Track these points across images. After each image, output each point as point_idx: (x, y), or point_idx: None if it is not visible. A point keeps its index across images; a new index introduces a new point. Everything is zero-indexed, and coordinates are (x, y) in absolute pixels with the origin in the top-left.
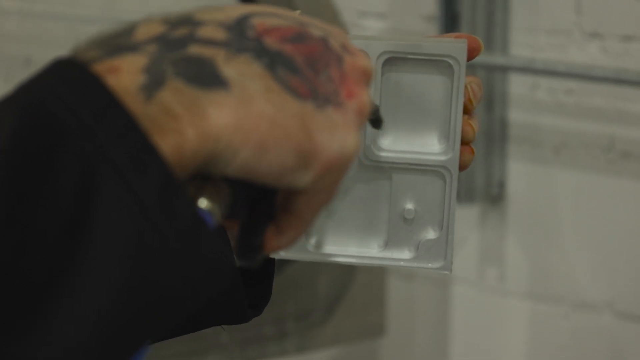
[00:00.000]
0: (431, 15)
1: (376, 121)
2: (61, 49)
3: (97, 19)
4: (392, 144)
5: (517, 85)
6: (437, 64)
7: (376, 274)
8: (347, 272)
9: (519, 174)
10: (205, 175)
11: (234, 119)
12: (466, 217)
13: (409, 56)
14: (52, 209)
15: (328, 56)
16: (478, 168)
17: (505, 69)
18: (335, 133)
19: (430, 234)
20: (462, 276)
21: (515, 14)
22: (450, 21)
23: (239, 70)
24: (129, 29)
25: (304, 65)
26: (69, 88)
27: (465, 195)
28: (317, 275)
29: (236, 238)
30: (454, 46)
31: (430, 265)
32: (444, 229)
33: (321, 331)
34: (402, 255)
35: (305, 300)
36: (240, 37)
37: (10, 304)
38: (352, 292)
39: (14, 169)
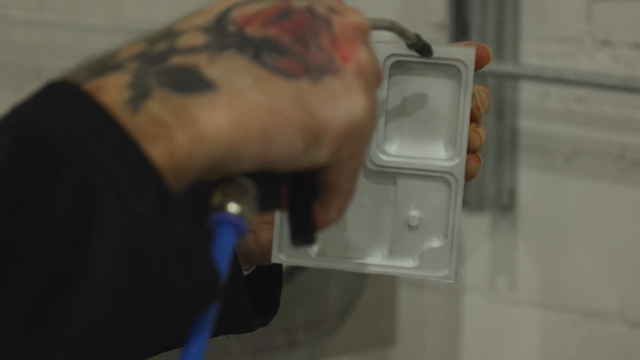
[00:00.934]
0: (441, 24)
1: (423, 49)
2: (70, 58)
3: (104, 28)
4: (398, 149)
5: (528, 94)
6: (445, 68)
7: (386, 283)
8: (358, 281)
9: (530, 182)
10: (227, 178)
11: (228, 118)
12: (477, 225)
13: (417, 60)
14: (50, 226)
15: (315, 24)
16: (488, 176)
17: (515, 77)
18: (337, 102)
19: (435, 242)
20: (473, 285)
21: (526, 22)
22: (460, 30)
23: (224, 68)
24: (113, 51)
25: (292, 43)
26: (61, 107)
27: (476, 203)
28: (328, 285)
29: (287, 223)
30: (463, 51)
31: (434, 274)
32: (448, 237)
33: (331, 340)
34: (406, 263)
35: (315, 309)
36: (221, 35)
37: (10, 319)
38: (363, 301)
39: (10, 188)
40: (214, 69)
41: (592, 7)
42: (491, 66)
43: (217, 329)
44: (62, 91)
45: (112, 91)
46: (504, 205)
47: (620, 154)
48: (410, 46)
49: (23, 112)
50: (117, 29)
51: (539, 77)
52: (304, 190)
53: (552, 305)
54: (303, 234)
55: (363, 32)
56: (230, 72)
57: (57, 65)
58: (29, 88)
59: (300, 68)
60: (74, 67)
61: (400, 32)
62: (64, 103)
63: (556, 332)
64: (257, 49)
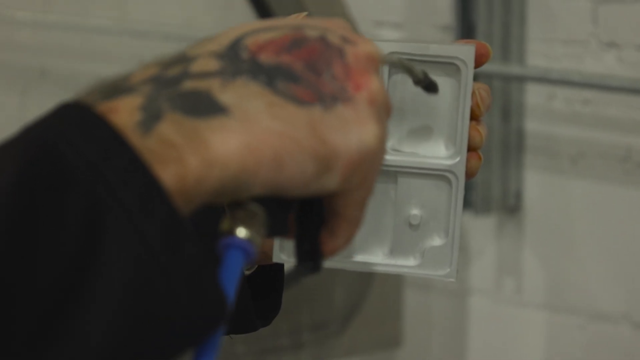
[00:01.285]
0: (447, 26)
1: (429, 86)
2: (75, 59)
3: (110, 29)
4: (398, 148)
5: (534, 95)
6: (444, 66)
7: (392, 285)
8: (364, 283)
9: (536, 184)
10: (236, 203)
11: (240, 142)
12: (483, 227)
13: (416, 58)
14: (57, 245)
15: (328, 53)
16: (494, 178)
17: (521, 79)
18: (349, 130)
19: (436, 241)
20: (479, 287)
21: (532, 24)
22: (466, 31)
23: (237, 94)
24: (126, 75)
25: (305, 71)
26: (73, 127)
27: (482, 205)
28: (334, 286)
29: (294, 250)
30: (462, 48)
31: (435, 272)
32: (449, 235)
33: (337, 342)
34: (407, 262)
35: (321, 311)
36: (234, 61)
37: (17, 336)
38: (369, 303)
39: (19, 205)
40: (227, 94)
41: (598, 9)
42: (497, 68)
43: None
44: (74, 112)
45: (124, 113)
46: (510, 207)
47: (626, 156)
48: (417, 82)
49: (34, 131)
50: (122, 31)
51: (544, 79)
52: (311, 218)
53: (557, 307)
54: (310, 261)
55: (375, 62)
56: (243, 97)
57: (62, 66)
58: (34, 89)
59: (312, 95)
60: (86, 89)
61: (408, 69)
62: (75, 123)
63: (562, 334)
64: (270, 76)
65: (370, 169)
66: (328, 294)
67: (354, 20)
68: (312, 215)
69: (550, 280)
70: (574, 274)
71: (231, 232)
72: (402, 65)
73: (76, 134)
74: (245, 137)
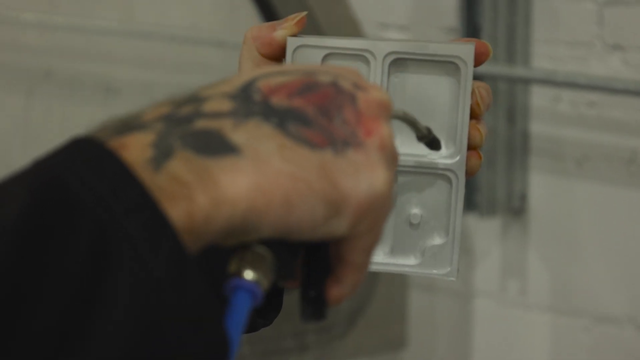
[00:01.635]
0: (452, 28)
1: (433, 142)
2: (80, 61)
3: (115, 30)
4: (398, 147)
5: (539, 98)
6: (444, 65)
7: (397, 287)
8: (368, 284)
9: (541, 186)
10: (244, 245)
11: (251, 183)
12: (488, 229)
13: (416, 57)
14: (62, 278)
15: (340, 99)
16: (499, 180)
17: (526, 81)
18: (360, 175)
19: (436, 240)
20: (484, 289)
21: (537, 26)
22: (471, 33)
23: (249, 134)
24: (138, 112)
25: (316, 115)
26: (83, 162)
27: (487, 207)
28: None
29: (299, 296)
30: (461, 47)
31: (435, 271)
32: (450, 234)
33: (342, 344)
34: (408, 261)
35: None
36: (247, 103)
37: None
38: (373, 305)
39: (27, 238)
40: (238, 134)
41: (603, 11)
42: (502, 70)
43: None
44: (85, 147)
45: (135, 149)
46: (515, 209)
47: (631, 158)
48: (420, 138)
49: (45, 164)
50: (127, 32)
51: (550, 81)
52: (318, 264)
53: (562, 310)
54: (314, 309)
55: (386, 110)
56: (255, 138)
57: (67, 67)
58: (39, 90)
59: (324, 139)
60: (98, 126)
61: (412, 123)
62: (86, 158)
63: (567, 336)
64: (281, 118)
65: (379, 214)
66: None
67: (359, 22)
68: (318, 261)
69: (555, 283)
70: (579, 276)
71: (239, 274)
72: (407, 119)
73: (86, 168)
74: (256, 178)
